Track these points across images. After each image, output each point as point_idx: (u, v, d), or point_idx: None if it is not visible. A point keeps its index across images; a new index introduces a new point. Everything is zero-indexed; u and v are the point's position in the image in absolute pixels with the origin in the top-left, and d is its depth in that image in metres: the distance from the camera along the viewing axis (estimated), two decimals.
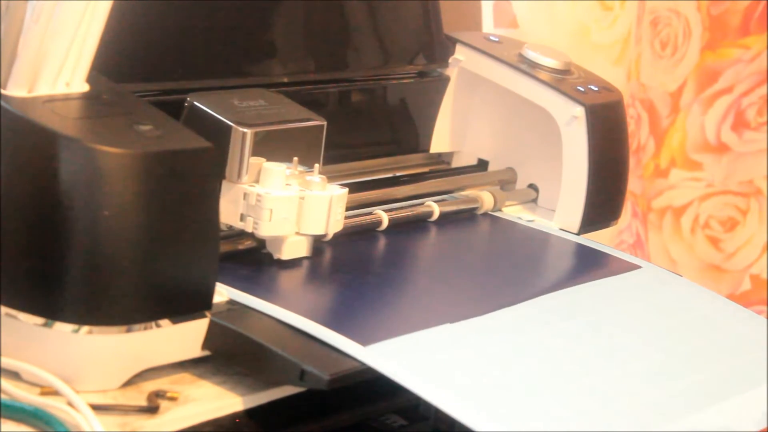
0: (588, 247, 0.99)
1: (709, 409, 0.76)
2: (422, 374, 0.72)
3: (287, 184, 0.84)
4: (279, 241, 0.84)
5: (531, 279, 0.93)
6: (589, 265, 0.97)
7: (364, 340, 0.74)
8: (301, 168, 0.85)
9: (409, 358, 0.73)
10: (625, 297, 0.90)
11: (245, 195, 0.83)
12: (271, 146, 0.84)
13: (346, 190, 0.86)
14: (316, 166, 0.85)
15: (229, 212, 0.83)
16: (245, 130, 0.83)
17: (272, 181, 0.83)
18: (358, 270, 0.88)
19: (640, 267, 0.95)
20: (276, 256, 0.85)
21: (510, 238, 1.00)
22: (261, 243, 0.85)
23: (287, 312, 0.77)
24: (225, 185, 0.83)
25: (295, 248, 0.85)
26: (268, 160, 0.84)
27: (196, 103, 0.84)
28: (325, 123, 0.87)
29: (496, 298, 0.85)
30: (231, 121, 0.83)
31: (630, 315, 0.87)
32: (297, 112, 0.87)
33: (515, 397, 0.72)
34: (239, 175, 0.83)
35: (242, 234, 0.85)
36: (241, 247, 0.85)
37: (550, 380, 0.75)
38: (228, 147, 0.82)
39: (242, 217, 0.83)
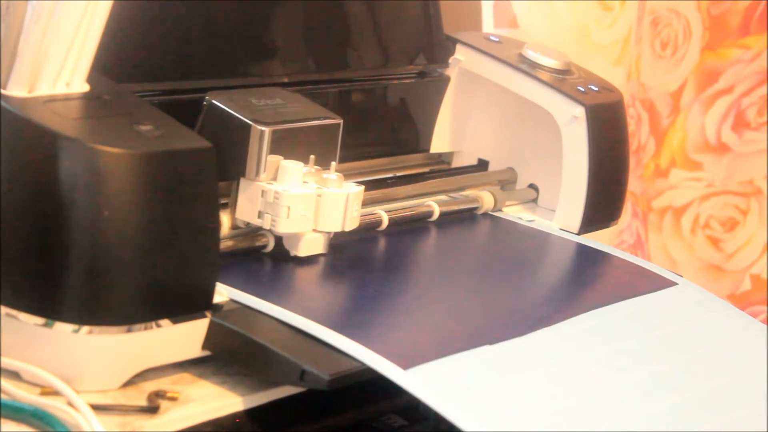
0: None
1: None
2: (470, 408, 0.69)
3: (304, 182, 0.84)
4: (296, 238, 0.85)
5: (563, 293, 0.92)
6: (621, 278, 0.94)
7: (404, 362, 0.72)
8: (317, 167, 0.86)
9: (454, 387, 0.71)
10: (664, 319, 0.87)
11: (263, 192, 0.83)
12: (288, 144, 0.85)
13: (362, 187, 0.87)
14: (333, 164, 0.86)
15: (247, 210, 0.84)
16: (263, 128, 0.83)
17: (290, 178, 0.84)
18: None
19: (676, 284, 0.92)
20: (293, 252, 0.86)
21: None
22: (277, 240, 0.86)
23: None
24: (243, 183, 0.84)
25: (312, 245, 0.86)
26: (285, 158, 0.84)
27: (214, 101, 0.84)
28: (341, 121, 0.88)
29: (531, 314, 0.84)
30: (250, 120, 0.83)
31: (667, 339, 0.84)
32: (314, 110, 0.88)
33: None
34: (257, 173, 0.83)
35: (255, 231, 0.85)
36: (259, 243, 0.85)
37: (596, 411, 0.73)
38: (246, 145, 0.83)
39: (260, 215, 0.84)
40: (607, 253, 0.98)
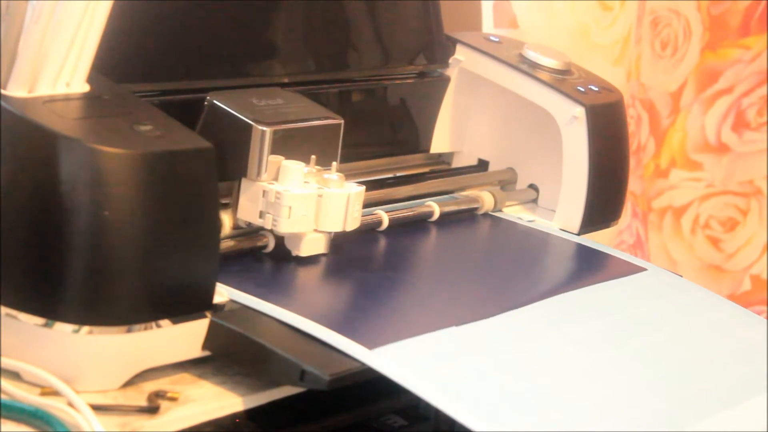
0: (590, 247, 0.99)
1: (715, 417, 0.75)
2: (429, 379, 0.71)
3: (305, 182, 0.84)
4: (297, 238, 0.85)
5: (535, 281, 0.93)
6: (594, 266, 0.96)
7: (370, 343, 0.73)
8: (318, 167, 0.86)
9: (415, 363, 0.73)
10: (632, 300, 0.89)
11: (264, 192, 0.83)
12: (290, 144, 0.85)
13: (363, 187, 0.87)
14: (334, 164, 0.86)
15: (248, 210, 0.84)
16: (265, 128, 0.83)
17: (291, 178, 0.84)
18: (361, 271, 0.88)
19: (645, 269, 0.94)
20: (294, 252, 0.86)
21: (511, 238, 1.00)
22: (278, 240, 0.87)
23: (288, 312, 0.77)
24: (244, 183, 0.84)
25: (313, 245, 0.86)
26: (286, 158, 0.84)
27: (216, 101, 0.84)
28: (342, 122, 0.88)
29: (501, 300, 0.85)
30: (251, 120, 0.83)
31: (637, 319, 0.86)
32: (315, 110, 0.88)
33: (525, 406, 0.72)
34: (258, 173, 0.84)
35: (256, 231, 0.85)
36: (259, 243, 0.86)
37: (557, 386, 0.74)
38: (247, 145, 0.83)
39: (261, 215, 0.84)
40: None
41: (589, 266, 0.96)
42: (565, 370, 0.77)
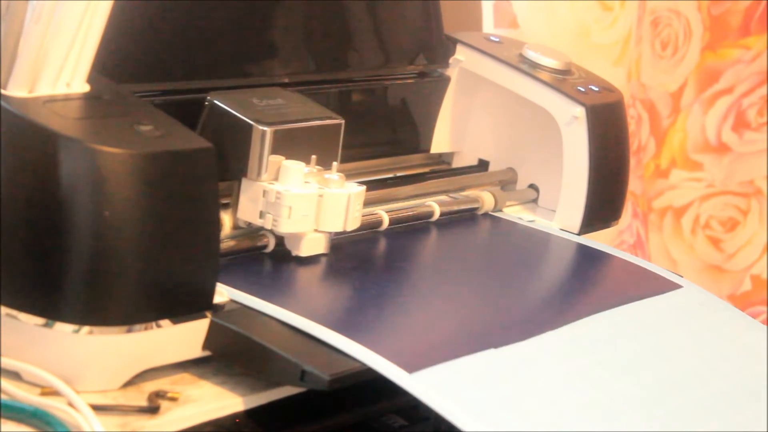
0: (605, 253, 0.97)
1: None
2: (477, 414, 0.69)
3: (306, 182, 0.85)
4: (297, 238, 0.85)
5: (566, 295, 0.91)
6: (624, 280, 0.94)
7: (409, 366, 0.72)
8: (318, 167, 0.86)
9: (459, 391, 0.71)
10: (669, 322, 0.87)
11: (265, 192, 0.83)
12: (290, 144, 0.85)
13: (364, 187, 0.87)
14: (334, 164, 0.86)
15: (249, 210, 0.84)
16: (265, 128, 0.83)
17: (291, 178, 0.84)
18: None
19: (681, 287, 0.92)
20: (294, 253, 0.86)
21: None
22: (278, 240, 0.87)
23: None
24: (245, 183, 0.84)
25: (313, 245, 0.86)
26: (287, 158, 0.85)
27: (216, 101, 0.85)
28: (342, 122, 0.88)
29: (535, 317, 0.84)
30: (251, 120, 0.84)
31: (671, 344, 0.84)
32: (315, 110, 0.89)
33: None
34: (259, 173, 0.84)
35: (256, 231, 0.85)
36: (259, 243, 0.86)
37: (608, 419, 0.73)
38: (248, 145, 0.83)
39: (261, 215, 0.84)
40: (608, 254, 0.98)
41: (621, 280, 0.95)
42: (606, 396, 0.75)
